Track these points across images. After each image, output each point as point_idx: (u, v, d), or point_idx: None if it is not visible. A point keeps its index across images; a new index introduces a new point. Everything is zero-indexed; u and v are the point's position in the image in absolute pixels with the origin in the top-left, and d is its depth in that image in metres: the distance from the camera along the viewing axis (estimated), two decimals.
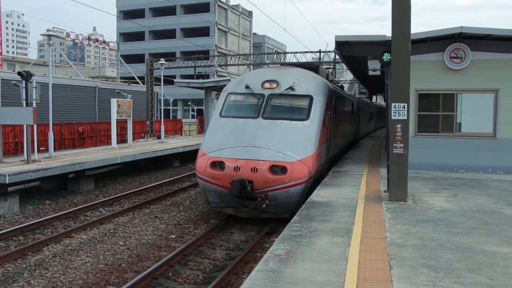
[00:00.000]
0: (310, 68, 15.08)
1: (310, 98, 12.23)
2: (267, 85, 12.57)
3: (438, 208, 9.13)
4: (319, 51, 32.00)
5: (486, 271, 5.56)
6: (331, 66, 33.50)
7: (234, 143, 11.38)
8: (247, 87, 12.72)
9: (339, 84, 25.88)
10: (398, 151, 9.61)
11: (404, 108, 9.55)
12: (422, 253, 6.22)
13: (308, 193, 11.10)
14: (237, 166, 10.89)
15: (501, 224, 7.89)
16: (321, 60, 31.66)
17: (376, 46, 13.85)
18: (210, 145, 11.73)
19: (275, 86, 12.49)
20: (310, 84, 12.72)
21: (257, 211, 10.98)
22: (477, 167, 14.28)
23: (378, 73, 16.50)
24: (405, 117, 9.58)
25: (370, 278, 5.31)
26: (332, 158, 15.30)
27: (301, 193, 10.86)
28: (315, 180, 12.02)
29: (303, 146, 11.24)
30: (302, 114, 11.98)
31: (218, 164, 11.25)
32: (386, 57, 10.71)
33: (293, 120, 11.78)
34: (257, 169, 10.73)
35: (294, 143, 11.23)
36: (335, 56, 32.28)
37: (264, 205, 10.72)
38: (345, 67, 31.47)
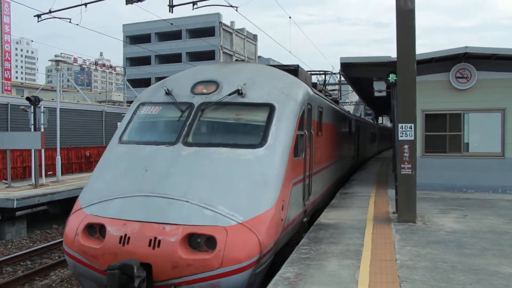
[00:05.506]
0: (287, 70, 9.75)
1: (270, 108, 7.60)
2: (200, 88, 8.01)
3: (448, 229, 9.01)
4: (324, 73, 32.17)
5: None
6: (337, 88, 33.61)
7: (127, 190, 6.69)
8: (168, 93, 8.11)
9: (332, 97, 18.01)
10: (406, 172, 9.55)
11: (411, 128, 9.53)
12: (434, 275, 6.11)
13: (265, 278, 6.64)
14: (124, 235, 6.08)
15: None
16: (327, 82, 31.79)
17: (381, 67, 13.91)
18: (91, 193, 7.03)
19: (213, 89, 7.92)
20: (271, 87, 8.08)
21: None
22: (487, 187, 14.14)
23: (384, 94, 16.53)
24: (412, 138, 9.55)
25: None
26: (317, 202, 10.68)
27: (246, 286, 6.10)
28: (286, 244, 7.75)
29: (251, 194, 6.60)
30: (255, 136, 7.37)
31: (97, 229, 6.44)
32: (392, 77, 10.72)
33: (238, 148, 7.13)
34: (160, 241, 5.95)
35: (236, 190, 6.60)
36: (340, 77, 32.47)
37: None
38: (350, 88, 31.58)
